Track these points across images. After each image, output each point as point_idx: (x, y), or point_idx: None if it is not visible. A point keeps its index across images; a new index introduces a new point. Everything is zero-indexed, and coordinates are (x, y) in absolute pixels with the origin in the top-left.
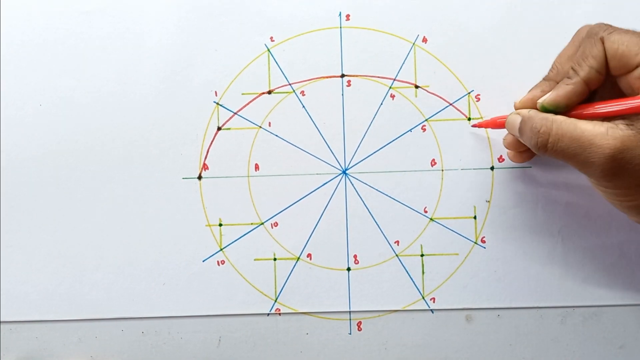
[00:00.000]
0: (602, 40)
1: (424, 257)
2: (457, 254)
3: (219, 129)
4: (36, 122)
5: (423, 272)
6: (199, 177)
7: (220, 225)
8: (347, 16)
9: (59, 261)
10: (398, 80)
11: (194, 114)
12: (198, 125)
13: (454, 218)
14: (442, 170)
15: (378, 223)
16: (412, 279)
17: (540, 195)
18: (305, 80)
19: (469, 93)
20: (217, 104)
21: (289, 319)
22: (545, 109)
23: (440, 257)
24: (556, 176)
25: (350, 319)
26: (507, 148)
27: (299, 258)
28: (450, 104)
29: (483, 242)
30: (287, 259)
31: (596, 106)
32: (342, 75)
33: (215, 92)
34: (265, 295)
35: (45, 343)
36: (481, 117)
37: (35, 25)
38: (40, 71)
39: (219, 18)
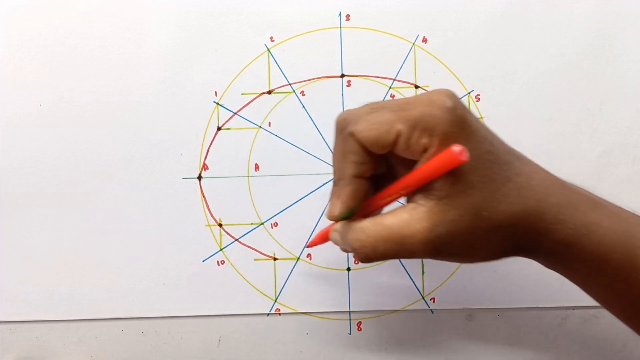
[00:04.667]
0: (353, 134)
1: None
2: None
3: (219, 129)
4: (36, 122)
5: (423, 272)
6: (199, 177)
7: (220, 225)
8: (347, 16)
9: (59, 261)
10: (398, 80)
11: (194, 114)
12: (198, 125)
13: None
14: None
15: None
16: (412, 279)
17: None
18: (305, 80)
19: (469, 93)
20: (217, 104)
21: (289, 319)
22: (346, 218)
23: None
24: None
25: (350, 319)
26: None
27: (299, 258)
28: None
29: None
30: (287, 259)
31: (379, 197)
32: (342, 75)
33: (215, 92)
34: (265, 295)
35: (45, 343)
36: (481, 117)
37: (35, 25)
38: (40, 71)
39: (219, 18)
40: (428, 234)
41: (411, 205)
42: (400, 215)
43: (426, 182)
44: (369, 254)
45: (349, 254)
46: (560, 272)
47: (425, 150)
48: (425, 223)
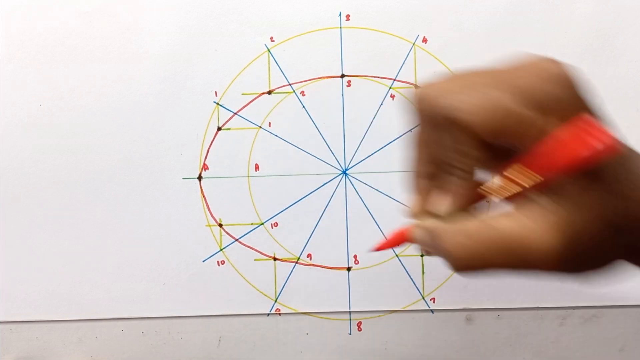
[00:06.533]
0: (456, 120)
1: (424, 257)
2: None
3: (219, 129)
4: (36, 122)
5: (423, 272)
6: (199, 177)
7: (220, 225)
8: (347, 16)
9: (59, 261)
10: (398, 80)
11: (194, 114)
12: (198, 125)
13: None
14: None
15: (378, 223)
16: (412, 279)
17: None
18: (305, 81)
19: None
20: (217, 104)
21: (289, 319)
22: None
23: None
24: None
25: (350, 319)
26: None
27: (299, 258)
28: None
29: None
30: (287, 259)
31: (494, 185)
32: (342, 75)
33: (215, 92)
34: (265, 295)
35: (45, 343)
36: None
37: (35, 25)
38: (40, 71)
39: (219, 18)
40: (559, 246)
41: (533, 207)
42: (521, 221)
43: (551, 177)
44: (471, 263)
45: (349, 254)
46: None
47: (539, 135)
48: (555, 232)
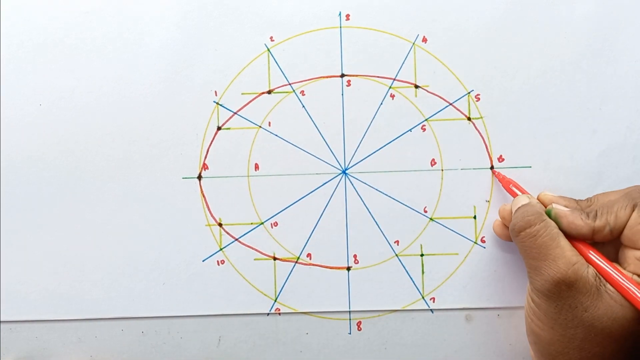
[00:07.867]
0: (634, 208)
1: (423, 257)
2: (457, 254)
3: (219, 128)
4: (36, 122)
5: (423, 272)
6: (199, 177)
7: (220, 225)
8: (347, 16)
9: (59, 261)
10: (398, 80)
11: (194, 114)
12: (198, 125)
13: (454, 218)
14: (442, 170)
15: (378, 223)
16: (411, 278)
17: None
18: (305, 80)
19: (469, 93)
20: (217, 103)
21: (289, 318)
22: (549, 215)
23: (440, 257)
24: (556, 176)
25: (350, 319)
26: (494, 230)
27: (298, 258)
28: (450, 104)
29: (483, 242)
30: (287, 259)
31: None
32: (342, 75)
33: (215, 92)
34: (265, 295)
35: (45, 343)
36: (481, 117)
37: (35, 25)
38: (40, 71)
39: (219, 18)
40: (562, 280)
41: (583, 262)
42: (574, 257)
43: None
44: (522, 230)
45: (349, 253)
46: None
47: None
48: (572, 274)
